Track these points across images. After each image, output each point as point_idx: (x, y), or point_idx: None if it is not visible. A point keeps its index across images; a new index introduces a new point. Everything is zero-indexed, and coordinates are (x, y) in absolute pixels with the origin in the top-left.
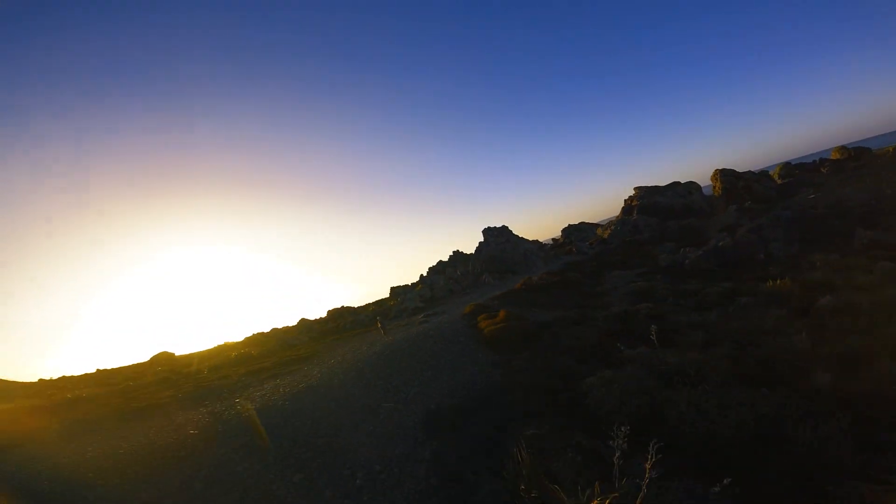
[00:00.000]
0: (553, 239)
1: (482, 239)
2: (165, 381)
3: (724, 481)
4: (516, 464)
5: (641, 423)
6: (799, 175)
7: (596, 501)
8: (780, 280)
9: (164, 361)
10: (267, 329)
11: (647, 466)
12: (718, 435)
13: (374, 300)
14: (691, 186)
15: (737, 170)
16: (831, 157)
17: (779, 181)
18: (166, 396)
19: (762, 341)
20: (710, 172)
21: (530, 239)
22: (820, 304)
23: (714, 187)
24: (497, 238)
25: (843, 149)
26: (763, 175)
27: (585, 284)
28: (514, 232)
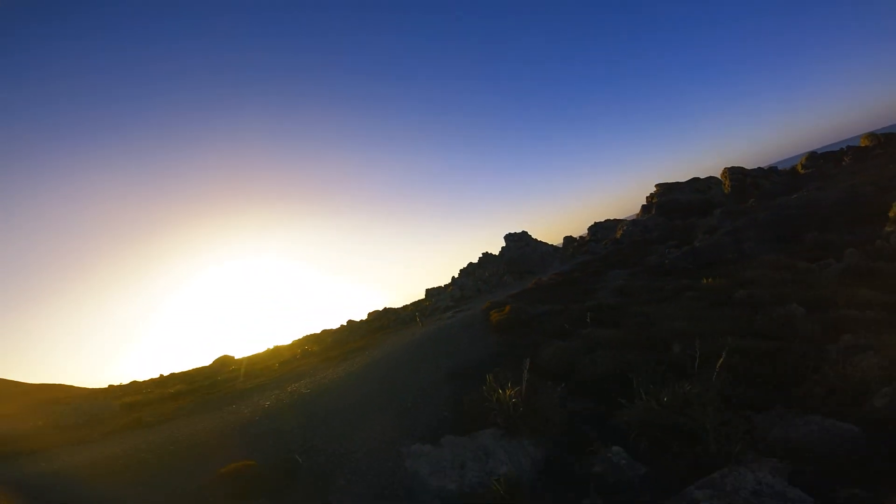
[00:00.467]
0: (581, 236)
1: (491, 250)
2: (247, 373)
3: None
4: (489, 384)
5: (565, 371)
6: (821, 165)
7: (511, 391)
8: (714, 278)
9: (231, 362)
10: (317, 331)
11: (558, 389)
12: (599, 375)
13: (411, 301)
14: (711, 182)
15: (761, 164)
16: (860, 145)
17: (801, 171)
18: (255, 384)
19: (664, 324)
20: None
21: (550, 241)
22: (735, 297)
23: (724, 185)
24: (517, 243)
25: (871, 135)
26: (771, 171)
27: (584, 283)
28: (536, 235)
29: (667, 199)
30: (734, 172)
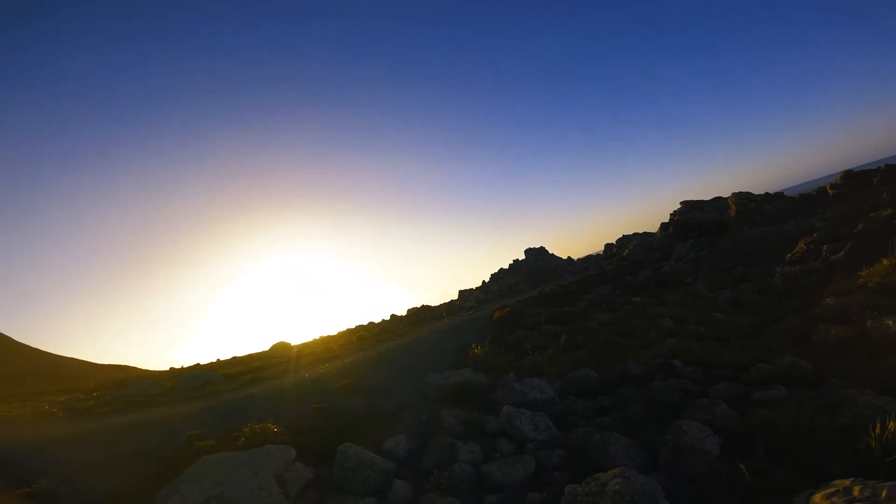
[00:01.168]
0: (608, 244)
1: (523, 257)
2: (312, 353)
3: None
4: (471, 349)
5: (518, 345)
6: (853, 183)
7: (478, 351)
8: (644, 298)
9: (288, 347)
10: (364, 323)
11: (509, 352)
12: (532, 346)
13: (447, 300)
14: (730, 201)
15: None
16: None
17: (830, 192)
18: (325, 357)
19: (588, 324)
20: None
21: (595, 249)
22: (649, 312)
23: (731, 209)
24: (535, 256)
25: None
26: (777, 196)
27: (573, 294)
28: (553, 250)
29: (685, 217)
30: (740, 197)
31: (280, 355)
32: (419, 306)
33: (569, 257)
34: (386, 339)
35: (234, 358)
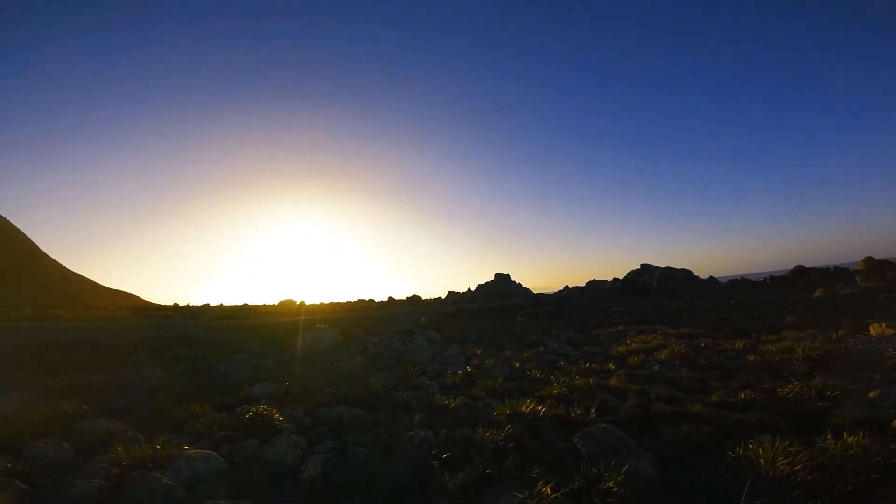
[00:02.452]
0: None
1: (492, 278)
2: (322, 310)
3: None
4: (424, 321)
5: (438, 323)
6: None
7: (427, 323)
8: (524, 319)
9: (292, 303)
10: (365, 299)
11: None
12: (454, 326)
13: (436, 296)
14: (668, 271)
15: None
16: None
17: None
18: (336, 317)
19: (486, 325)
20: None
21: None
22: (519, 328)
23: (654, 280)
24: (501, 279)
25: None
26: (690, 278)
27: (504, 310)
28: (517, 279)
29: (631, 278)
30: (663, 272)
31: (298, 309)
32: (413, 295)
33: (526, 288)
34: (385, 309)
35: (252, 306)
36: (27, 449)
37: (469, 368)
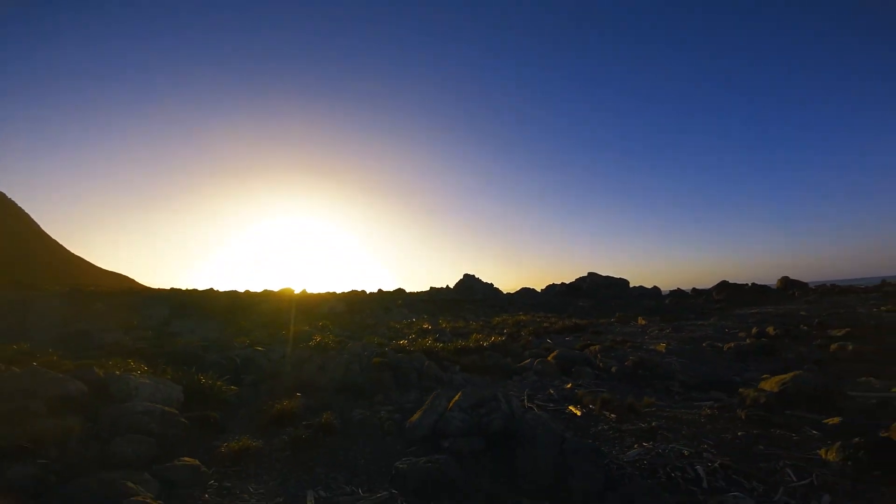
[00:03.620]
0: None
1: (463, 277)
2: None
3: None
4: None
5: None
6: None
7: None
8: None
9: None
10: (358, 290)
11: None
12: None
13: (421, 290)
14: (597, 278)
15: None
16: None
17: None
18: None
19: (460, 313)
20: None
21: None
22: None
23: (585, 283)
24: (468, 278)
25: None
26: (617, 280)
27: (466, 302)
28: (491, 280)
29: (576, 283)
30: (596, 279)
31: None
32: (398, 288)
33: (494, 286)
34: (374, 297)
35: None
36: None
37: (414, 326)
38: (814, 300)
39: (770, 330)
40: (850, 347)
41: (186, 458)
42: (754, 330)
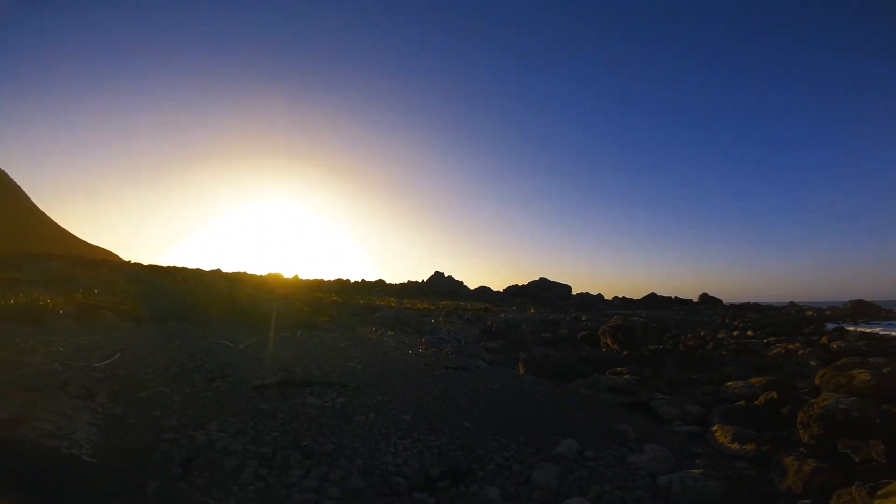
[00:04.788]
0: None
1: (433, 274)
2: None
3: None
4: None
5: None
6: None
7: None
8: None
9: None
10: (344, 278)
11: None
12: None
13: (400, 281)
14: (542, 282)
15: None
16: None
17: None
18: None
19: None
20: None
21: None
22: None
23: (530, 287)
24: (438, 275)
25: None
26: (560, 286)
27: (432, 294)
28: (459, 278)
29: (526, 286)
30: (538, 284)
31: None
32: (380, 279)
33: (462, 283)
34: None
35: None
36: None
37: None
38: (694, 312)
39: (610, 342)
40: (609, 340)
41: None
42: (573, 315)
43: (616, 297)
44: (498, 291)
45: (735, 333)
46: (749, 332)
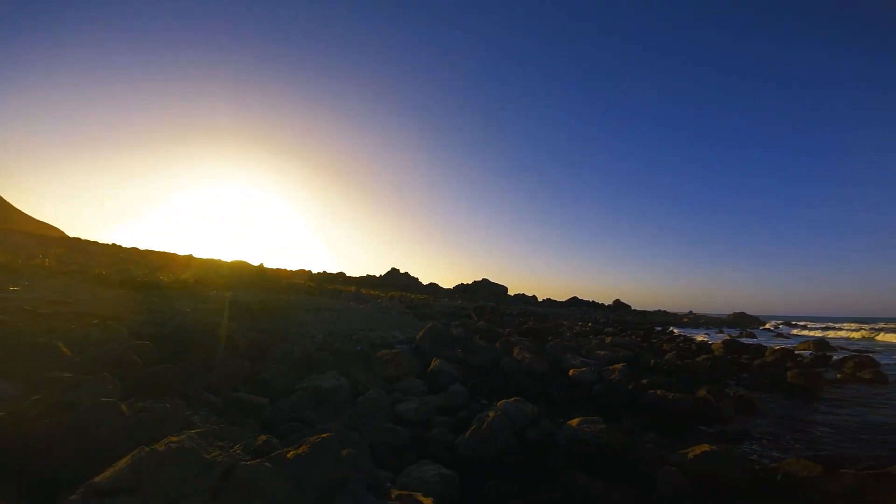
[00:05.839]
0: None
1: (390, 270)
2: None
3: None
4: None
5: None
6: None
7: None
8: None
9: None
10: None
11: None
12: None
13: (360, 275)
14: (482, 283)
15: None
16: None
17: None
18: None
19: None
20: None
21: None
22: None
23: (471, 286)
24: (393, 271)
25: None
26: (498, 286)
27: (386, 287)
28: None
29: (469, 285)
30: (484, 281)
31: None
32: (340, 272)
33: (417, 279)
34: (316, 277)
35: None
36: None
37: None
38: (586, 314)
39: (474, 315)
40: (480, 322)
41: None
42: (472, 308)
43: (547, 299)
44: (447, 288)
45: (589, 325)
46: (590, 324)
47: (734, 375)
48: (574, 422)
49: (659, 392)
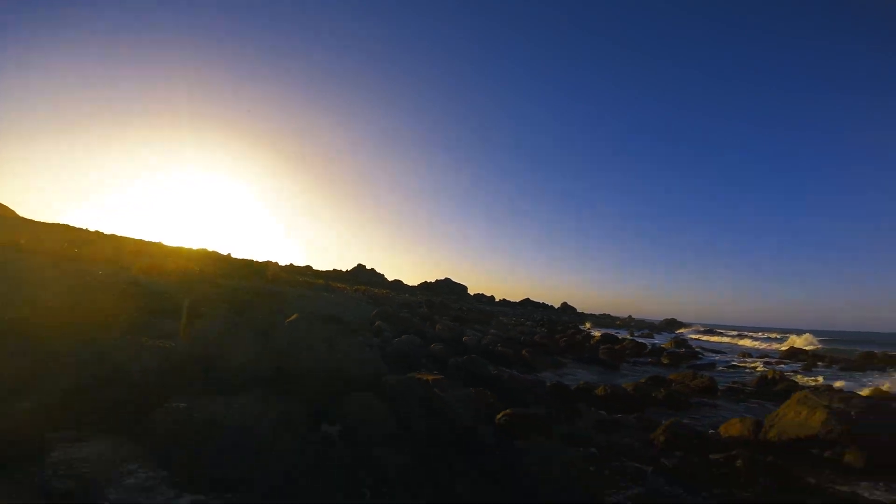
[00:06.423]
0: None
1: (356, 265)
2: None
3: None
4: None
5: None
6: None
7: None
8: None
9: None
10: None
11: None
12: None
13: (330, 269)
14: (444, 282)
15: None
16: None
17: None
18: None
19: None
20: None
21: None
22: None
23: (433, 284)
24: (359, 267)
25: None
26: (458, 285)
27: (352, 280)
28: (382, 271)
29: (432, 282)
30: (446, 280)
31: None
32: (308, 265)
33: (382, 275)
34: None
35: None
36: None
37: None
38: (529, 313)
39: (425, 307)
40: (423, 308)
41: None
42: (423, 301)
43: (503, 299)
44: (411, 285)
45: (528, 323)
46: (522, 320)
47: (560, 353)
48: (433, 345)
49: (499, 348)
